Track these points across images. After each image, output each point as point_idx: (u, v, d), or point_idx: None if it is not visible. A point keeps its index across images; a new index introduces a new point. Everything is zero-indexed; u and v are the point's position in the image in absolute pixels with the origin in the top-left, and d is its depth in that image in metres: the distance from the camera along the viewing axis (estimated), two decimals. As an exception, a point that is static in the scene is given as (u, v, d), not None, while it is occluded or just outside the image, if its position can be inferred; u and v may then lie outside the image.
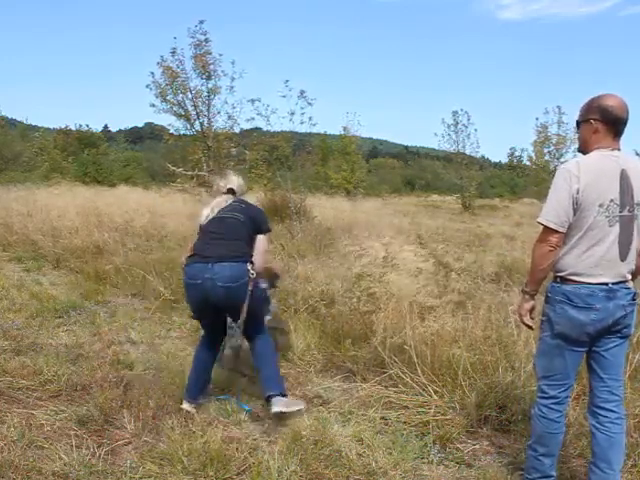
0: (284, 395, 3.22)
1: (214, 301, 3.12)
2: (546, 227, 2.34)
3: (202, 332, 3.49)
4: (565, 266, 2.36)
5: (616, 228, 2.32)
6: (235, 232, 3.25)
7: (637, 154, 17.19)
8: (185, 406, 3.30)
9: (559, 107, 26.06)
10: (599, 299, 2.31)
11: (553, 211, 2.32)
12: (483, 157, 44.78)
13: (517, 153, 40.18)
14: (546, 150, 26.89)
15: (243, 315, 3.20)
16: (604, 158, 2.33)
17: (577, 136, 2.53)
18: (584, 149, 2.44)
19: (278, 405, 3.11)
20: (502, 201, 35.74)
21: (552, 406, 2.47)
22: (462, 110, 29.46)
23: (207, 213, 3.40)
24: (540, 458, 2.50)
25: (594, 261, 2.32)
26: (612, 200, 2.29)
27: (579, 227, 2.31)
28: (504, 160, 49.00)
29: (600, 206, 2.28)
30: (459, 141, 29.57)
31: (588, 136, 2.40)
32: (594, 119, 2.36)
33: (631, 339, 3.59)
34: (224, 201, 3.44)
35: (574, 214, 2.30)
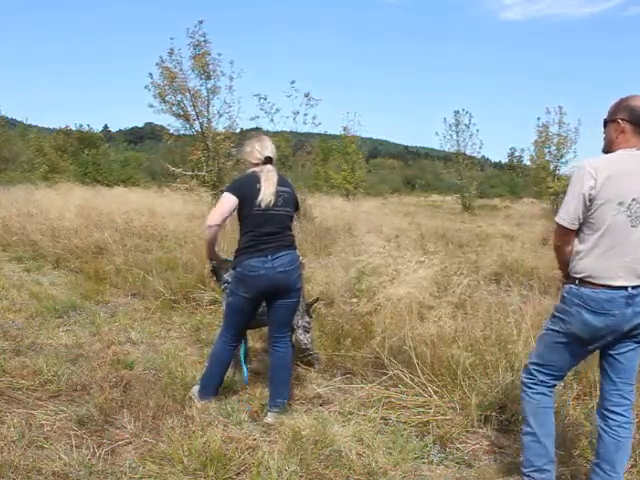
0: (284, 404, 3.36)
1: (276, 284, 3.29)
2: (557, 224, 2.36)
3: (224, 333, 3.49)
4: (584, 268, 2.32)
5: (638, 229, 2.26)
6: (286, 223, 3.37)
7: None
8: (202, 404, 3.38)
9: (560, 107, 26.04)
10: (618, 305, 2.27)
11: (564, 208, 2.33)
12: (483, 157, 44.82)
13: (517, 153, 40.25)
14: (547, 150, 26.87)
15: (301, 295, 3.65)
16: (628, 157, 2.30)
17: (603, 136, 2.48)
18: (609, 149, 2.40)
19: (272, 418, 3.29)
20: (502, 201, 35.72)
21: (539, 384, 2.48)
22: (464, 110, 29.51)
23: (264, 192, 3.21)
24: (542, 440, 2.46)
25: (615, 263, 2.27)
26: (635, 199, 2.24)
27: (597, 226, 2.28)
28: (504, 160, 49.18)
29: (620, 204, 2.24)
30: (460, 141, 29.61)
31: (615, 136, 2.37)
32: (622, 119, 2.33)
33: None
34: (273, 176, 3.30)
35: (588, 212, 2.27)
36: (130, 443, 2.99)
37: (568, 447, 2.96)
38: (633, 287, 2.28)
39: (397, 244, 6.14)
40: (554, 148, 26.52)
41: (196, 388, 3.52)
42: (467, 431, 3.19)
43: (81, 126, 37.46)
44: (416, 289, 4.56)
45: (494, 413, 3.24)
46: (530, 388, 2.51)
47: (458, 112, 29.23)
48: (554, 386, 2.53)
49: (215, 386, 3.49)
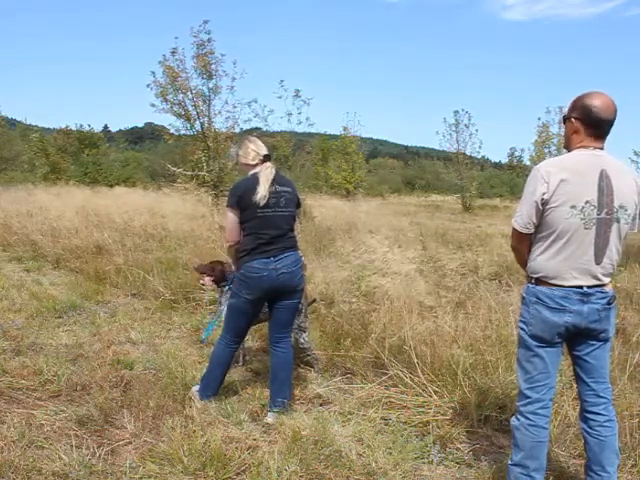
0: (285, 405, 3.35)
1: (280, 285, 3.29)
2: (512, 226, 2.38)
3: (225, 335, 3.47)
4: (540, 269, 2.34)
5: (592, 231, 2.25)
6: (289, 224, 3.37)
7: (636, 154, 17.19)
8: (202, 404, 3.39)
9: (561, 107, 26.04)
10: (573, 302, 2.27)
11: (518, 211, 2.34)
12: (483, 157, 44.75)
13: (517, 153, 40.24)
14: (547, 150, 26.89)
15: (304, 295, 3.71)
16: (583, 158, 2.27)
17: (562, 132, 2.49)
18: (566, 146, 2.42)
19: (272, 418, 3.30)
20: (502, 201, 35.67)
21: (539, 411, 2.40)
22: (463, 110, 29.54)
23: (261, 189, 3.20)
24: (533, 475, 2.40)
25: (568, 264, 2.27)
26: (588, 202, 2.22)
27: (551, 229, 2.28)
28: (504, 160, 49.19)
29: (572, 207, 2.22)
30: (460, 141, 29.61)
31: (570, 134, 2.37)
32: (575, 118, 2.31)
33: (631, 339, 3.59)
34: (270, 173, 3.29)
35: (541, 215, 2.28)
36: (130, 443, 2.99)
37: (568, 447, 2.96)
38: (589, 287, 2.29)
39: (398, 245, 6.14)
40: (554, 148, 26.56)
41: (196, 388, 3.52)
42: (467, 431, 3.19)
43: (81, 126, 37.37)
44: (407, 279, 4.55)
45: (494, 413, 3.24)
46: (527, 419, 2.42)
47: (457, 112, 29.25)
48: (550, 407, 2.45)
49: (215, 387, 3.49)
